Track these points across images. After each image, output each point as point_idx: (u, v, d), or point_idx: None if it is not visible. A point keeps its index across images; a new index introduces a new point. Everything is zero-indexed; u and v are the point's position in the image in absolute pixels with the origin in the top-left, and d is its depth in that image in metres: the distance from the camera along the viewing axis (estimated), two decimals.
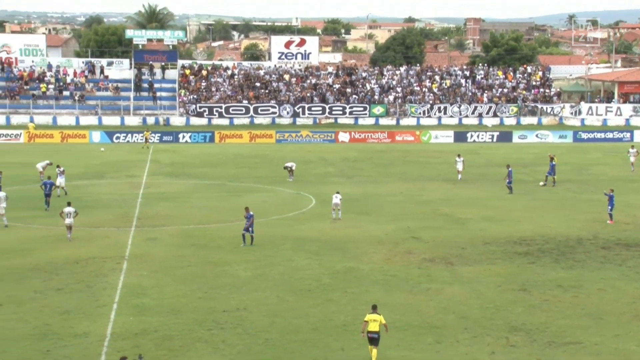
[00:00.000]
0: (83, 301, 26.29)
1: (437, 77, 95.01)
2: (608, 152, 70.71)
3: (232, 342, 22.75)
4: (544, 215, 41.51)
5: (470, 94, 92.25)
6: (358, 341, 22.39)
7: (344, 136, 78.08)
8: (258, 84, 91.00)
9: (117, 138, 74.93)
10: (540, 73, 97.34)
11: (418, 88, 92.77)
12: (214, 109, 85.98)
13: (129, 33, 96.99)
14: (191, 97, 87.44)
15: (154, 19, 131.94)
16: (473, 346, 22.64)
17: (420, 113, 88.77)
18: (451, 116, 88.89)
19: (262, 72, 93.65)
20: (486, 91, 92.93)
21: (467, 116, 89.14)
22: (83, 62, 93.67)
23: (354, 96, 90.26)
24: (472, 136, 79.11)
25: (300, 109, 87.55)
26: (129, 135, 75.32)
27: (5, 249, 33.15)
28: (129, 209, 42.25)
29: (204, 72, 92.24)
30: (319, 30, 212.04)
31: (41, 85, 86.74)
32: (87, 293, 27.22)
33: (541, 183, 51.56)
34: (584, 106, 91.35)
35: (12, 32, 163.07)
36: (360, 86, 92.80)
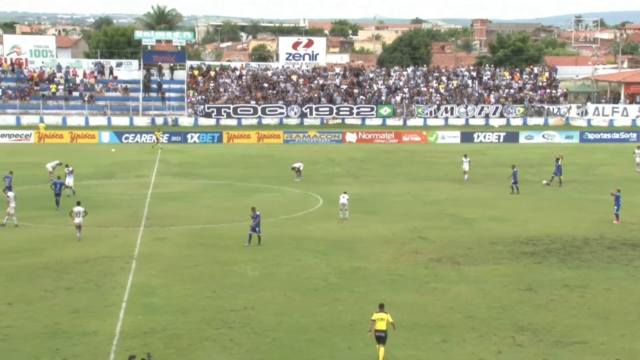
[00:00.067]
0: (92, 300, 26.38)
1: (444, 78, 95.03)
2: (614, 152, 70.61)
3: (240, 341, 22.81)
4: (551, 215, 41.51)
5: (477, 94, 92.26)
6: (365, 340, 22.42)
7: (351, 136, 78.19)
8: (266, 85, 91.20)
9: (126, 138, 75.25)
10: (546, 74, 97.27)
11: (425, 89, 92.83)
12: (222, 110, 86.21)
13: (138, 34, 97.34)
14: (199, 97, 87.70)
15: (162, 20, 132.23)
16: (479, 345, 22.65)
17: (427, 113, 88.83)
18: (458, 117, 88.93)
19: (269, 73, 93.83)
20: (493, 92, 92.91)
21: (473, 117, 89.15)
22: (92, 63, 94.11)
23: (361, 97, 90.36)
24: (478, 137, 79.14)
25: (308, 110, 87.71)
26: (138, 135, 75.64)
27: (15, 248, 33.32)
28: (137, 209, 42.40)
29: (212, 73, 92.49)
30: (326, 31, 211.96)
31: (51, 86, 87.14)
32: (97, 292, 27.31)
33: (544, 182, 51.66)
34: (591, 107, 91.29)
35: (23, 33, 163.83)
36: (368, 87, 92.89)
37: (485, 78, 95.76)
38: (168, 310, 25.45)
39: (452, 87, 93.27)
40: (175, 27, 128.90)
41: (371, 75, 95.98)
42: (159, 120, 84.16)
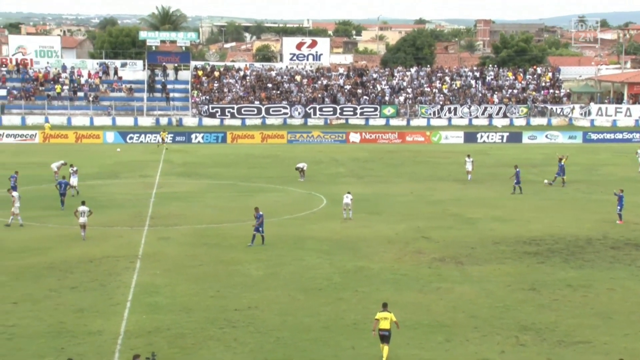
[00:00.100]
0: (97, 299, 26.46)
1: (447, 78, 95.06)
2: (617, 152, 70.63)
3: (244, 341, 22.86)
4: (554, 215, 41.53)
5: (480, 94, 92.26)
6: (368, 339, 22.49)
7: (354, 137, 78.25)
8: (270, 85, 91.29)
9: (131, 138, 75.37)
10: (550, 74, 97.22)
11: (428, 89, 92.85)
12: (226, 110, 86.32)
13: (143, 35, 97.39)
14: (204, 97, 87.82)
15: (167, 20, 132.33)
16: (483, 345, 22.70)
17: (430, 114, 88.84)
18: (461, 117, 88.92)
19: (273, 73, 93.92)
20: (496, 92, 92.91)
21: (477, 117, 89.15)
22: (97, 64, 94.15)
23: (364, 97, 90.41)
24: (482, 137, 79.14)
25: (312, 110, 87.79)
26: (143, 135, 75.79)
27: (21, 248, 33.42)
28: (142, 209, 42.45)
29: (217, 73, 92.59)
30: (330, 32, 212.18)
31: (56, 86, 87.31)
32: (101, 291, 27.39)
33: (545, 181, 51.75)
34: (594, 107, 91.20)
35: (28, 33, 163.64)
36: (371, 87, 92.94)
37: (488, 78, 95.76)
38: (172, 309, 25.51)
39: (456, 88, 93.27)
40: (179, 28, 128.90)
41: (375, 75, 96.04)
42: (163, 121, 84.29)
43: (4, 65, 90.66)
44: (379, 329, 21.72)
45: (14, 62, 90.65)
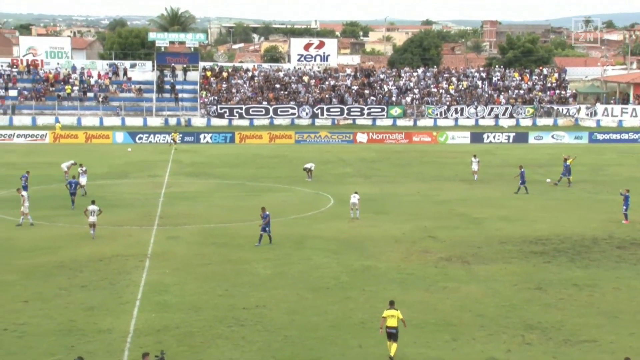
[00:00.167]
0: (107, 298, 26.58)
1: (454, 79, 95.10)
2: (623, 152, 70.68)
3: (252, 339, 22.98)
4: (560, 215, 41.57)
5: (486, 95, 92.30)
6: (376, 338, 22.58)
7: (362, 137, 78.39)
8: (278, 86, 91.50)
9: (140, 139, 75.64)
10: (556, 75, 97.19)
11: (435, 89, 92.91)
12: (235, 110, 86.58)
13: (152, 36, 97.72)
14: (212, 98, 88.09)
15: (176, 22, 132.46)
16: (489, 344, 22.76)
17: (437, 114, 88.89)
18: (468, 117, 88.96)
19: (281, 74, 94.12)
20: (502, 93, 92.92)
21: (483, 117, 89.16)
22: (107, 64, 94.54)
23: (371, 97, 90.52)
24: (488, 137, 79.17)
25: (319, 110, 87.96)
26: (152, 135, 76.12)
27: (31, 247, 33.60)
28: (151, 208, 42.62)
29: (225, 74, 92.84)
30: (337, 33, 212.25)
31: (66, 87, 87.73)
32: (111, 290, 27.51)
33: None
34: (600, 107, 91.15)
35: (38, 35, 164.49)
36: (378, 88, 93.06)
37: (495, 79, 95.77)
38: (181, 308, 25.62)
39: (462, 88, 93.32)
40: (188, 29, 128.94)
41: (382, 76, 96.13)
42: (172, 121, 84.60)
43: (14, 66, 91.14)
44: (386, 326, 21.83)
45: (24, 63, 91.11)
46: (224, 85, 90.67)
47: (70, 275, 29.30)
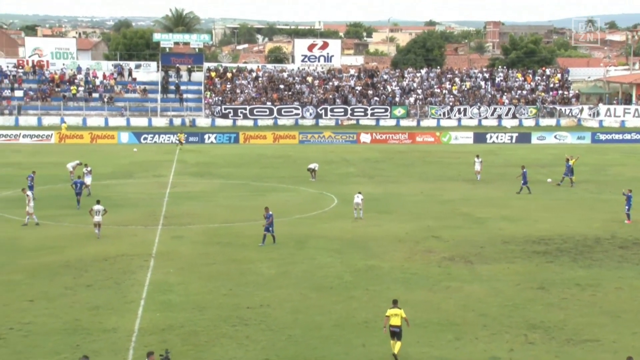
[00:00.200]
0: (112, 297, 26.66)
1: (457, 80, 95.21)
2: (626, 153, 70.79)
3: (256, 338, 23.04)
4: (562, 215, 41.63)
5: (489, 96, 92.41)
6: (379, 337, 22.64)
7: (365, 137, 78.53)
8: (282, 86, 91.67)
9: (145, 139, 75.89)
10: (558, 75, 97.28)
11: (438, 90, 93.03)
12: (239, 111, 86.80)
13: (157, 37, 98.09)
14: (216, 98, 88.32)
15: (180, 23, 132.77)
16: (492, 343, 22.81)
17: (440, 114, 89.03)
18: (471, 118, 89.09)
19: (285, 75, 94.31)
20: (505, 93, 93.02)
21: (486, 117, 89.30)
22: (112, 65, 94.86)
23: (375, 98, 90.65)
24: (491, 137, 79.30)
25: (323, 111, 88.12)
26: (156, 136, 76.37)
27: (37, 247, 33.73)
28: (156, 208, 42.74)
29: (229, 75, 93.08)
30: (341, 34, 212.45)
31: (71, 88, 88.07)
32: (116, 289, 27.60)
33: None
34: (602, 108, 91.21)
35: (44, 35, 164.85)
36: (382, 88, 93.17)
37: (498, 79, 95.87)
38: (185, 307, 25.70)
39: (465, 89, 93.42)
40: (192, 30, 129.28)
41: (385, 76, 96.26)
42: (177, 121, 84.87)
43: (20, 67, 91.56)
44: (390, 325, 21.89)
45: (30, 64, 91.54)
46: (228, 86, 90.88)
47: (75, 275, 29.40)
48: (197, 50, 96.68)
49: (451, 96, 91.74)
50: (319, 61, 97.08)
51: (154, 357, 18.70)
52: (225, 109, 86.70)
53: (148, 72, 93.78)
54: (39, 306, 25.79)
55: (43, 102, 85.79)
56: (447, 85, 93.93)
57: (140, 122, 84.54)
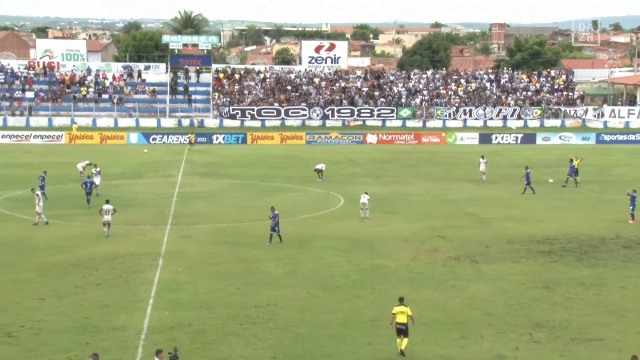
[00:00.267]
0: (121, 296, 26.84)
1: (462, 81, 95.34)
2: (630, 153, 70.80)
3: (264, 337, 23.18)
4: (567, 215, 41.73)
5: (495, 97, 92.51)
6: (385, 336, 22.79)
7: (371, 138, 78.72)
8: (289, 87, 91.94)
9: (154, 139, 76.17)
10: (563, 77, 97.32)
11: (444, 91, 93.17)
12: (247, 111, 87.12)
13: (166, 38, 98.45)
14: (225, 99, 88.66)
15: (189, 24, 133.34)
16: (497, 342, 22.92)
17: (446, 115, 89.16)
18: (476, 118, 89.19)
19: (292, 76, 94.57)
20: (511, 94, 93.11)
21: (491, 118, 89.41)
22: (121, 66, 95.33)
23: (381, 99, 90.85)
24: (496, 138, 79.38)
25: (330, 112, 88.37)
26: (165, 136, 76.67)
27: (48, 246, 33.98)
28: (164, 208, 42.94)
29: (237, 76, 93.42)
30: (348, 35, 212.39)
31: (82, 89, 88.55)
32: (125, 288, 27.78)
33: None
34: (607, 109, 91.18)
35: (55, 37, 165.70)
36: (388, 89, 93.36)
37: (503, 81, 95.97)
38: (194, 306, 25.86)
39: (471, 90, 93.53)
40: (201, 32, 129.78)
41: (391, 78, 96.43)
42: (185, 122, 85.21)
43: (31, 68, 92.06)
44: (396, 322, 22.05)
45: (41, 65, 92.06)
46: (236, 87, 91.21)
47: (85, 274, 29.60)
48: (205, 51, 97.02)
49: (457, 97, 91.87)
50: (325, 62, 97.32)
51: (163, 355, 18.86)
52: (233, 109, 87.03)
53: (157, 73, 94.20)
54: (49, 304, 25.97)
55: (53, 103, 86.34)
56: (453, 86, 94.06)
57: (149, 122, 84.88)
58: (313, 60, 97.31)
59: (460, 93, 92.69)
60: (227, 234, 36.66)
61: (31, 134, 76.08)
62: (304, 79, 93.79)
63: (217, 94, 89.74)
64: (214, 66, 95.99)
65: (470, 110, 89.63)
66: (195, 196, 47.02)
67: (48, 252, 32.91)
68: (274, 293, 27.40)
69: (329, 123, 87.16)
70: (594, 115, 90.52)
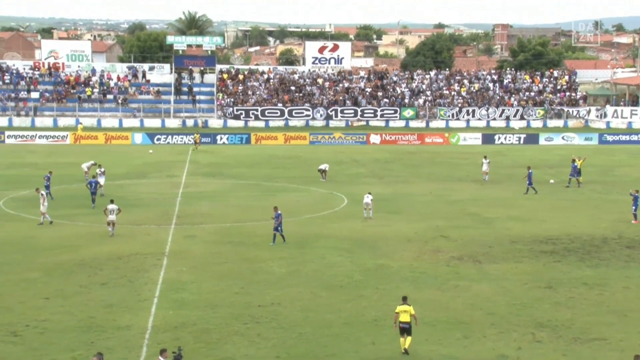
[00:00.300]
0: (125, 295, 26.96)
1: (465, 81, 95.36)
2: (633, 154, 70.85)
3: (267, 336, 23.28)
4: (570, 215, 41.78)
5: (498, 97, 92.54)
6: (389, 335, 22.88)
7: (375, 138, 78.81)
8: (293, 88, 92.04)
9: (158, 140, 76.33)
10: (566, 77, 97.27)
11: (447, 92, 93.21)
12: (250, 112, 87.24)
13: (170, 39, 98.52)
14: (228, 100, 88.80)
15: (193, 25, 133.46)
16: (500, 341, 22.98)
17: (449, 116, 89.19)
18: (479, 119, 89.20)
19: (296, 77, 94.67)
20: (513, 95, 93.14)
21: (494, 119, 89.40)
22: (126, 67, 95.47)
23: (385, 99, 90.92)
24: (499, 138, 79.41)
25: (333, 112, 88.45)
26: (170, 137, 76.80)
27: (53, 246, 34.12)
28: (169, 208, 43.09)
29: (241, 77, 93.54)
30: (351, 36, 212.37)
31: (86, 89, 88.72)
32: (129, 288, 27.90)
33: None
34: (609, 109, 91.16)
35: (60, 38, 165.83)
36: (391, 90, 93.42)
37: (506, 81, 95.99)
38: (198, 305, 25.97)
39: (474, 90, 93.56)
40: (205, 32, 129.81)
41: (395, 78, 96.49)
42: (190, 122, 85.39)
43: (37, 69, 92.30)
44: (400, 321, 22.14)
45: (46, 66, 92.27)
46: (240, 88, 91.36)
47: (90, 273, 29.72)
48: (209, 52, 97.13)
49: (460, 98, 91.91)
50: (329, 63, 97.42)
51: (167, 354, 18.94)
52: (237, 110, 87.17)
53: (161, 74, 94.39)
54: (54, 304, 26.09)
55: (58, 103, 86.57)
56: (456, 86, 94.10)
57: (153, 123, 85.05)
58: (317, 61, 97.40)
59: (463, 93, 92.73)
60: (231, 234, 36.76)
61: (36, 134, 76.35)
62: (307, 80, 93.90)
63: (221, 94, 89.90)
64: (218, 67, 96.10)
65: (473, 111, 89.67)
66: (200, 196, 47.14)
67: (53, 252, 33.05)
68: (277, 293, 27.48)
69: (332, 123, 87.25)
70: (597, 116, 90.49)
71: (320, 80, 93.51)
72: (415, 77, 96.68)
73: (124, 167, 59.43)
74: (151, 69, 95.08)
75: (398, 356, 21.96)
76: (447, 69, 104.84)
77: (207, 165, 61.34)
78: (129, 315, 24.90)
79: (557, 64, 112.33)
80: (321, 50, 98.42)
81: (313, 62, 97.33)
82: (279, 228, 34.77)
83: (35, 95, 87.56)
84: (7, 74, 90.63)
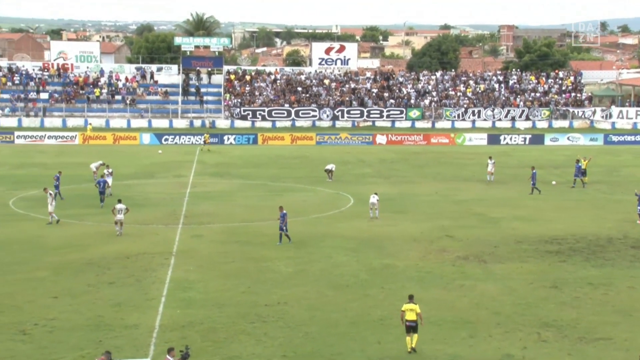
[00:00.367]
0: (133, 294, 27.08)
1: (471, 82, 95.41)
2: (638, 154, 70.82)
3: (274, 335, 23.38)
4: (575, 215, 41.82)
5: (503, 98, 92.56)
6: (394, 334, 22.99)
7: (381, 138, 78.89)
8: (299, 89, 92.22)
9: (166, 140, 76.49)
10: (571, 78, 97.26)
11: (453, 92, 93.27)
12: (257, 112, 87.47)
13: (178, 40, 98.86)
14: (236, 101, 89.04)
15: (201, 27, 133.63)
16: (505, 341, 23.04)
17: (455, 116, 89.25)
18: (485, 119, 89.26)
19: (303, 77, 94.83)
20: (519, 95, 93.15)
21: (500, 119, 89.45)
22: (134, 68, 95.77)
23: (391, 100, 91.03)
24: (505, 139, 79.38)
25: (340, 113, 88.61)
26: (177, 137, 76.95)
27: (61, 245, 34.30)
28: (176, 207, 43.22)
29: (248, 77, 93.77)
30: (357, 37, 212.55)
31: (95, 90, 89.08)
32: (137, 287, 28.02)
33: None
34: (615, 110, 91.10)
35: (69, 39, 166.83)
36: (397, 90, 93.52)
37: (511, 82, 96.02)
38: (205, 304, 26.08)
39: (480, 91, 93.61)
40: (213, 34, 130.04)
41: (401, 79, 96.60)
42: (197, 123, 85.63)
43: (46, 70, 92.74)
44: (406, 320, 22.24)
45: (55, 67, 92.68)
46: (247, 88, 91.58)
47: (98, 272, 29.87)
48: (217, 53, 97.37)
49: (465, 98, 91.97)
50: (335, 64, 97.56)
51: (175, 353, 19.09)
52: (244, 110, 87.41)
53: (169, 75, 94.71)
54: (63, 302, 26.23)
55: (67, 104, 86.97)
56: (462, 87, 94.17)
57: (161, 123, 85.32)
58: (323, 62, 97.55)
59: (469, 94, 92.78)
60: (238, 234, 36.88)
61: (45, 135, 76.63)
62: (314, 80, 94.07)
63: (228, 95, 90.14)
64: (226, 67, 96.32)
65: (479, 111, 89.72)
66: (207, 196, 47.26)
67: (61, 251, 33.21)
68: (284, 292, 27.59)
69: (338, 124, 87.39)
70: (602, 117, 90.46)
71: (326, 81, 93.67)
72: (421, 78, 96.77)
73: (132, 167, 59.57)
74: (159, 69, 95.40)
75: (404, 355, 22.04)
76: (453, 70, 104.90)
77: (215, 166, 61.43)
78: (137, 314, 25.00)
79: (562, 65, 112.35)
80: (328, 51, 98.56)
81: (320, 63, 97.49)
82: (284, 228, 34.87)
83: (44, 95, 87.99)
84: (16, 75, 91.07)
